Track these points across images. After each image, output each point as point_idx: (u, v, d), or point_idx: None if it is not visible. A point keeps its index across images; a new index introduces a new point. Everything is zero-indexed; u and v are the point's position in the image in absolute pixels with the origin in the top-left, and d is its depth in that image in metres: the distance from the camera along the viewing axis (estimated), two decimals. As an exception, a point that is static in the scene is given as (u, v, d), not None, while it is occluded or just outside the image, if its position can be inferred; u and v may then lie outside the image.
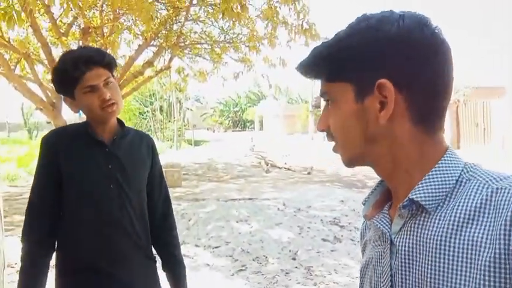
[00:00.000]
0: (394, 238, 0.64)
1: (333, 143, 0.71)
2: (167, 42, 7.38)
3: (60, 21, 6.68)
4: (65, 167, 1.43)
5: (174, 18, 7.16)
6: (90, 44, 6.66)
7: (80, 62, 1.41)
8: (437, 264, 0.57)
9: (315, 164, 12.74)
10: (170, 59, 7.88)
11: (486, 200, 0.56)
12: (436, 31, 0.62)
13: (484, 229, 0.54)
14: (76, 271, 1.44)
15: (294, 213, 6.19)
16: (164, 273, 1.66)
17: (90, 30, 6.20)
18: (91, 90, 1.41)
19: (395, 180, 0.66)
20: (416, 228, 0.61)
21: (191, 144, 28.45)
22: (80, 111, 1.54)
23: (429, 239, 0.58)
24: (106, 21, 6.45)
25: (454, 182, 0.60)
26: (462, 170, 0.62)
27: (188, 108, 39.74)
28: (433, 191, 0.60)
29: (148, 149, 1.59)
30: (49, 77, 7.23)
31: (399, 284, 0.62)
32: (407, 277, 0.61)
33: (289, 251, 4.71)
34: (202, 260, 4.49)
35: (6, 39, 5.78)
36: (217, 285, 3.93)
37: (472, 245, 0.54)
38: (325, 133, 0.72)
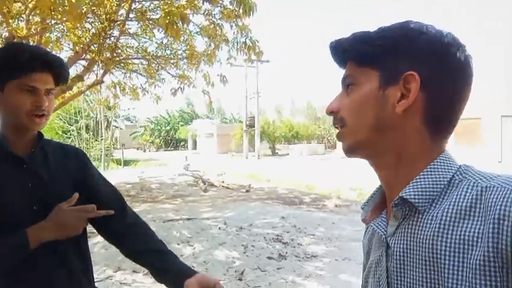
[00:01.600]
0: (390, 240, 0.65)
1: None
2: (100, 56, 7.02)
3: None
4: None
5: (109, 31, 6.83)
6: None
7: (38, 58, 1.23)
8: (430, 264, 0.58)
9: (252, 182, 12.75)
10: (103, 74, 7.48)
11: (476, 198, 0.56)
12: (470, 57, 0.66)
13: (475, 227, 0.55)
14: None
15: (237, 232, 6.08)
16: None
17: (15, 39, 5.67)
18: (30, 91, 1.22)
19: (392, 177, 0.67)
20: (410, 229, 0.62)
21: (120, 164, 27.20)
22: None
23: (422, 239, 0.59)
24: (33, 32, 5.96)
25: (446, 182, 0.62)
26: (455, 172, 0.63)
27: (117, 127, 38.13)
28: (424, 190, 0.61)
29: (78, 160, 1.40)
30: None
31: (396, 285, 0.63)
32: (403, 278, 0.62)
33: (235, 271, 4.57)
34: (141, 287, 4.18)
35: None
36: (161, 312, 3.67)
37: (463, 244, 0.55)
38: (332, 117, 0.73)
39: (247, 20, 6.47)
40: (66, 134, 26.71)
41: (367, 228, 0.81)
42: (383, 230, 0.67)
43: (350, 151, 0.70)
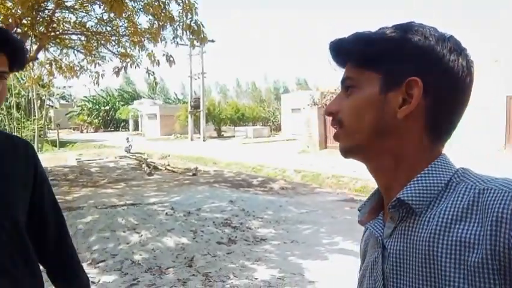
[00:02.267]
0: (386, 242, 0.65)
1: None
2: (34, 31, 6.44)
3: None
4: None
5: (43, 3, 6.26)
6: None
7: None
8: (427, 266, 0.57)
9: (198, 165, 12.59)
10: (37, 50, 6.89)
11: (473, 200, 0.56)
12: (471, 62, 0.66)
13: (472, 230, 0.54)
14: None
15: (185, 217, 5.98)
16: None
17: None
18: None
19: (390, 180, 0.67)
20: (407, 231, 0.62)
21: (55, 146, 25.68)
22: None
23: (419, 241, 0.59)
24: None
25: (443, 185, 0.62)
26: (453, 175, 0.63)
27: (51, 106, 35.74)
28: (421, 192, 0.61)
29: (27, 159, 1.23)
30: None
31: (392, 287, 0.63)
32: (399, 281, 0.62)
33: (185, 258, 4.49)
34: (86, 278, 3.98)
35: None
36: (108, 304, 3.52)
37: (460, 246, 0.55)
38: (329, 118, 0.71)
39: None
40: (-7, 113, 24.61)
41: (365, 231, 0.80)
42: (379, 231, 0.67)
43: (347, 153, 0.69)
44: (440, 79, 0.63)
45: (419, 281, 0.58)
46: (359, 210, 0.75)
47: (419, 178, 0.63)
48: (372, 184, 7.45)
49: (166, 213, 6.13)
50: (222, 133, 30.87)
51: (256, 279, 3.97)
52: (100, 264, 4.31)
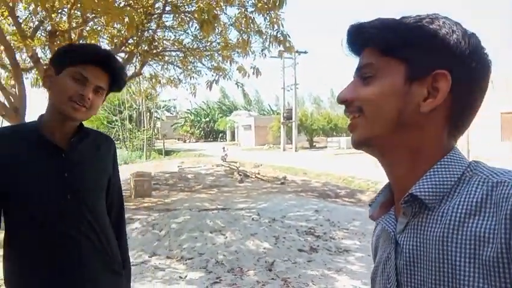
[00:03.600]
0: (399, 238, 0.63)
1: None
2: (139, 49, 7.21)
3: (25, 24, 6.39)
4: (9, 176, 1.23)
5: (146, 24, 7.00)
6: (57, 48, 6.40)
7: (101, 54, 1.29)
8: (442, 261, 0.56)
9: (288, 175, 12.72)
10: (142, 66, 7.69)
11: (487, 194, 0.55)
12: (490, 61, 0.66)
13: (486, 224, 0.53)
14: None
15: (269, 223, 6.09)
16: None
17: (57, 33, 5.93)
18: (79, 80, 1.25)
19: (403, 174, 0.64)
20: (419, 226, 0.61)
21: (161, 154, 27.97)
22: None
23: (432, 236, 0.58)
24: (74, 25, 6.20)
25: (456, 179, 0.60)
26: (466, 168, 0.61)
27: (158, 118, 39.18)
28: (434, 187, 0.60)
29: (109, 153, 1.45)
30: (12, 82, 6.88)
31: (405, 283, 0.62)
32: (413, 276, 0.61)
33: (265, 262, 4.59)
34: (175, 273, 4.30)
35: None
36: (191, 299, 3.76)
37: (475, 240, 0.54)
38: (344, 105, 0.68)
39: (283, 10, 6.43)
40: (110, 124, 27.79)
41: (376, 226, 0.79)
42: (392, 227, 0.65)
43: (362, 144, 0.66)
44: (466, 74, 0.62)
45: (434, 277, 0.57)
46: (370, 206, 0.74)
47: (432, 172, 0.61)
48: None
49: (252, 219, 6.31)
50: (314, 144, 30.70)
51: (334, 288, 3.90)
52: (188, 261, 4.61)
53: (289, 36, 6.90)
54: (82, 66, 1.25)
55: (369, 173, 12.12)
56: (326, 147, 29.29)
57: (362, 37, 0.66)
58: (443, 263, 0.56)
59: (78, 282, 1.28)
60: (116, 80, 1.33)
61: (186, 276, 4.20)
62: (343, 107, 0.68)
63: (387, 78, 0.63)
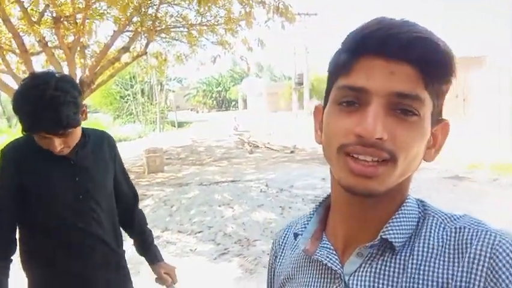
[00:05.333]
0: (349, 279, 0.57)
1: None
2: (143, 27, 7.28)
3: (32, 9, 6.51)
4: (29, 183, 1.41)
5: (149, 2, 7.04)
6: (63, 32, 6.53)
7: (37, 125, 1.31)
8: None
9: (298, 142, 12.88)
10: (147, 44, 7.79)
11: (447, 239, 0.54)
12: None
13: (447, 269, 0.52)
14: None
15: (277, 193, 6.33)
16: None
17: (62, 18, 6.06)
18: (45, 137, 1.35)
19: (377, 218, 0.57)
20: (378, 268, 0.56)
21: (174, 126, 28.29)
22: None
23: (395, 281, 0.54)
24: (78, 10, 6.30)
25: (417, 219, 0.58)
26: (418, 206, 0.59)
27: (170, 90, 39.30)
28: (403, 231, 0.56)
29: (110, 150, 1.61)
30: (23, 67, 7.10)
31: None
32: None
33: (271, 232, 4.85)
34: (185, 246, 4.60)
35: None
36: (201, 269, 4.05)
37: (438, 286, 0.52)
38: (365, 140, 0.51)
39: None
40: (123, 98, 28.03)
41: (281, 250, 0.72)
42: (337, 265, 0.58)
43: (379, 195, 0.54)
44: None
45: None
46: (298, 235, 0.65)
47: (401, 214, 0.57)
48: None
49: (260, 190, 6.55)
50: (327, 108, 30.53)
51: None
52: (198, 234, 4.91)
53: (290, 6, 6.89)
54: (35, 135, 1.36)
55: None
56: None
57: (418, 49, 0.50)
58: None
59: (92, 279, 1.51)
60: (66, 126, 1.33)
61: (196, 249, 4.50)
62: None
63: (428, 123, 0.53)
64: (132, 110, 26.99)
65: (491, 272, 0.49)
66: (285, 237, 0.73)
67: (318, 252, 0.60)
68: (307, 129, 16.67)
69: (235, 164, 10.07)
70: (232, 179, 7.71)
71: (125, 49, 7.55)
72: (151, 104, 28.63)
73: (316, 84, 30.05)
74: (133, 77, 27.07)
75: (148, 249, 1.75)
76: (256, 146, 12.88)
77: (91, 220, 1.49)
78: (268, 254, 4.27)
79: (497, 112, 9.91)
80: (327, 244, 0.61)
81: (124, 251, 1.66)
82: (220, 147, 13.57)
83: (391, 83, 0.50)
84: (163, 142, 14.00)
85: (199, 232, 4.96)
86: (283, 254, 0.71)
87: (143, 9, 7.10)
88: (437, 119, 0.55)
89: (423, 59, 0.49)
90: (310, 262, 0.62)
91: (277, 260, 0.72)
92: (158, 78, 28.14)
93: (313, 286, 0.61)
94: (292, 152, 11.45)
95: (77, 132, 1.41)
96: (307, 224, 0.64)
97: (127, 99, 27.67)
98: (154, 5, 7.43)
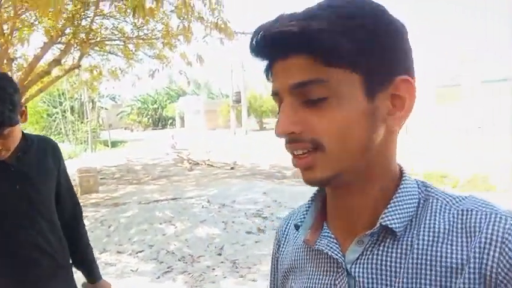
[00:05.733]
0: (351, 268, 0.56)
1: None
2: (76, 39, 6.96)
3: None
4: None
5: (82, 13, 6.75)
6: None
7: None
8: None
9: (237, 159, 12.92)
10: (80, 57, 7.43)
11: (454, 222, 0.53)
12: None
13: (457, 253, 0.51)
14: None
15: (219, 209, 6.26)
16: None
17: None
18: None
19: (365, 201, 0.57)
20: (380, 255, 0.55)
21: (107, 146, 27.11)
22: None
23: (398, 266, 0.53)
24: (6, 19, 5.87)
25: (417, 202, 0.56)
26: (417, 190, 0.58)
27: (102, 107, 37.68)
28: (403, 215, 0.54)
29: (54, 156, 1.52)
30: None
31: None
32: None
33: (215, 247, 4.76)
34: (126, 267, 4.36)
35: None
36: (143, 289, 3.86)
37: (446, 272, 0.51)
38: (286, 138, 0.54)
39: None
40: (51, 117, 26.41)
41: (284, 240, 0.71)
42: (338, 254, 0.57)
43: (327, 183, 0.55)
44: (413, 79, 0.54)
45: None
46: (298, 226, 0.63)
47: (398, 198, 0.55)
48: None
49: (202, 206, 6.44)
50: (264, 125, 31.13)
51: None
52: (139, 254, 4.68)
53: (229, 22, 6.98)
54: None
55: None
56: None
57: (281, 47, 0.51)
58: None
59: (31, 281, 1.40)
60: (2, 123, 1.23)
61: (138, 269, 4.29)
62: None
63: (347, 95, 0.51)
64: (61, 129, 25.46)
65: (504, 257, 0.48)
66: (287, 226, 0.73)
67: (319, 242, 0.59)
68: (246, 146, 16.83)
69: (175, 181, 9.84)
70: (173, 197, 7.50)
71: (57, 62, 7.12)
72: (82, 122, 27.26)
73: (253, 101, 30.57)
74: (62, 94, 25.64)
75: (90, 265, 1.65)
76: (195, 163, 12.70)
77: (34, 232, 1.38)
78: (213, 269, 4.20)
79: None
80: (328, 232, 0.60)
81: (71, 264, 1.56)
82: (157, 165, 13.19)
83: (288, 78, 0.52)
84: (96, 162, 13.30)
85: (140, 251, 4.73)
86: (286, 243, 0.71)
87: (76, 21, 6.79)
88: (389, 79, 0.53)
89: (303, 43, 0.50)
90: (311, 252, 0.62)
91: (280, 249, 0.72)
92: (89, 95, 26.92)
93: (316, 277, 0.60)
94: (232, 168, 11.44)
95: (16, 134, 1.30)
96: (306, 214, 0.63)
97: (55, 117, 26.11)
98: (88, 16, 7.16)
